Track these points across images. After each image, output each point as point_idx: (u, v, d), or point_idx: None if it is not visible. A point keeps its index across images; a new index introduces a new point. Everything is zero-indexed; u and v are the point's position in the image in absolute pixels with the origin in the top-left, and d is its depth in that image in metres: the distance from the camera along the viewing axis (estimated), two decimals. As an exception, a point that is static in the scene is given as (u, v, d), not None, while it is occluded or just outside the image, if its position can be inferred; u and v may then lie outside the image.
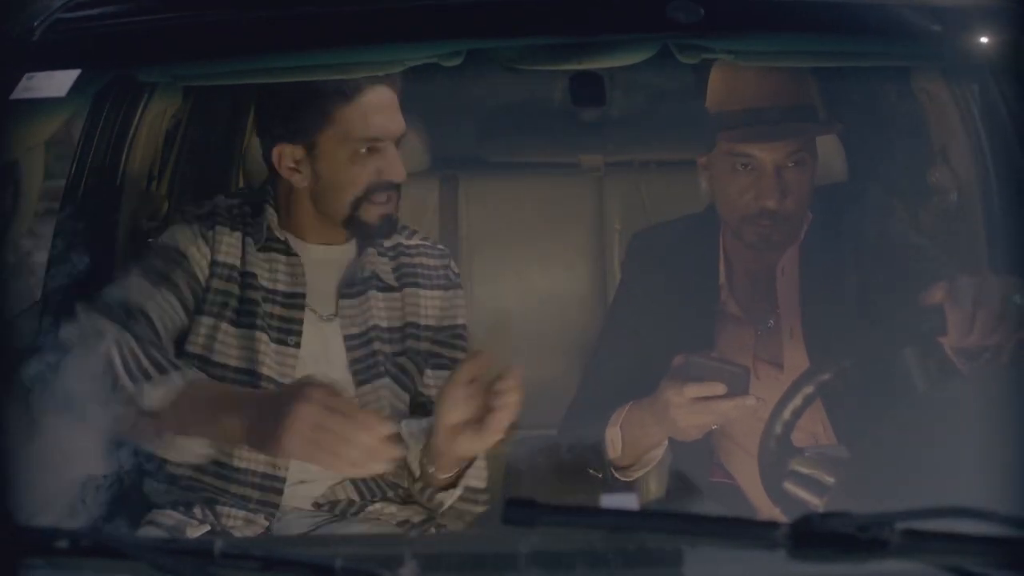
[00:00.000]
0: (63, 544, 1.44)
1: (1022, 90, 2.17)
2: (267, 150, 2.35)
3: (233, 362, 2.29)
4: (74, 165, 2.67)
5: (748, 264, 2.48)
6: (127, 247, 2.75)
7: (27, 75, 2.02)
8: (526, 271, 3.42)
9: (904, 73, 2.70)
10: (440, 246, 2.51)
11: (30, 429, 2.26)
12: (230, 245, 2.34)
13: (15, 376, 2.29)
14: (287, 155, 2.30)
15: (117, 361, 2.13)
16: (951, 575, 1.30)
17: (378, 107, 2.28)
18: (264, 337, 2.30)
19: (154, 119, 2.77)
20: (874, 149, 2.88)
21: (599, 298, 3.41)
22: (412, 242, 2.46)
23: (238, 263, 2.34)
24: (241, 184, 3.23)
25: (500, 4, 2.09)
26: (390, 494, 2.34)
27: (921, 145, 2.79)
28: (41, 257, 2.57)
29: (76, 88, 2.04)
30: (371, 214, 2.31)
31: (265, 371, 2.29)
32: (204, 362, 2.29)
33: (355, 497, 2.32)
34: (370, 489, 2.34)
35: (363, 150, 2.28)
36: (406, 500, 2.32)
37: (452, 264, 2.49)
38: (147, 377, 2.13)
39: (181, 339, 2.31)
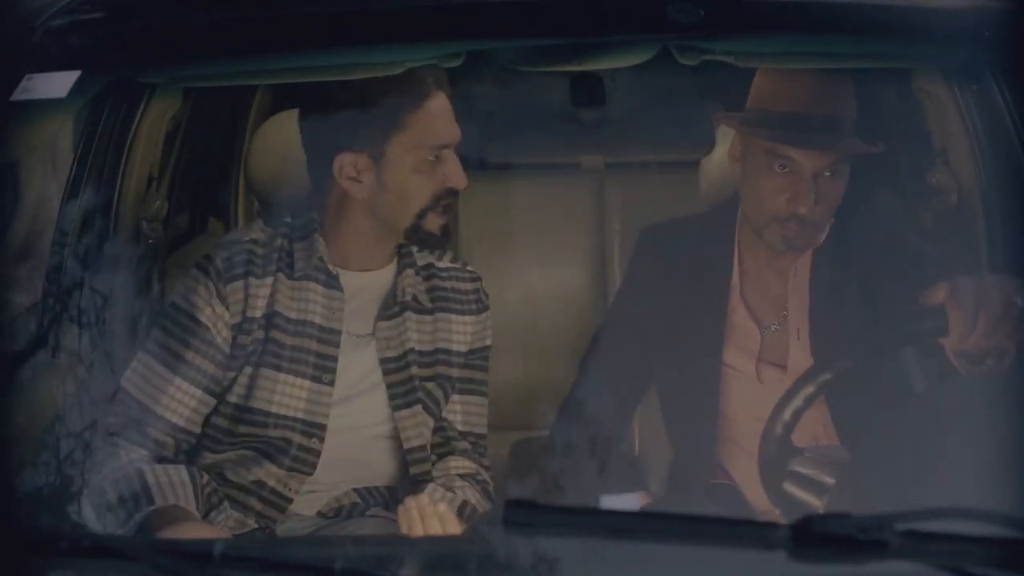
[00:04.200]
0: (63, 544, 1.44)
1: (1022, 90, 2.17)
2: (321, 162, 2.28)
3: (273, 407, 2.27)
4: (74, 165, 2.67)
5: (763, 265, 2.47)
6: (127, 248, 2.75)
7: (27, 76, 2.02)
8: (526, 271, 3.42)
9: (904, 73, 2.69)
10: (471, 268, 2.47)
11: (31, 430, 2.26)
12: (259, 296, 2.28)
13: (15, 376, 2.29)
14: (349, 164, 2.24)
15: (91, 502, 2.13)
16: (951, 576, 1.30)
17: (443, 113, 2.26)
18: (299, 378, 2.28)
19: (154, 120, 2.77)
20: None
21: (599, 298, 3.41)
22: (444, 264, 2.42)
23: (268, 308, 2.28)
24: (241, 187, 3.23)
25: (499, 5, 2.09)
26: (392, 500, 2.34)
27: (921, 146, 2.79)
28: (41, 258, 2.57)
29: (76, 89, 2.04)
30: (435, 222, 2.28)
31: (302, 413, 2.28)
32: (243, 410, 2.28)
33: (358, 501, 2.33)
34: (372, 496, 2.34)
35: (431, 157, 2.24)
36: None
37: (483, 287, 2.46)
38: (116, 520, 2.12)
39: (220, 394, 2.29)
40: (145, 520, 2.10)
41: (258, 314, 2.28)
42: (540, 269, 3.44)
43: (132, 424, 2.24)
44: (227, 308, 2.27)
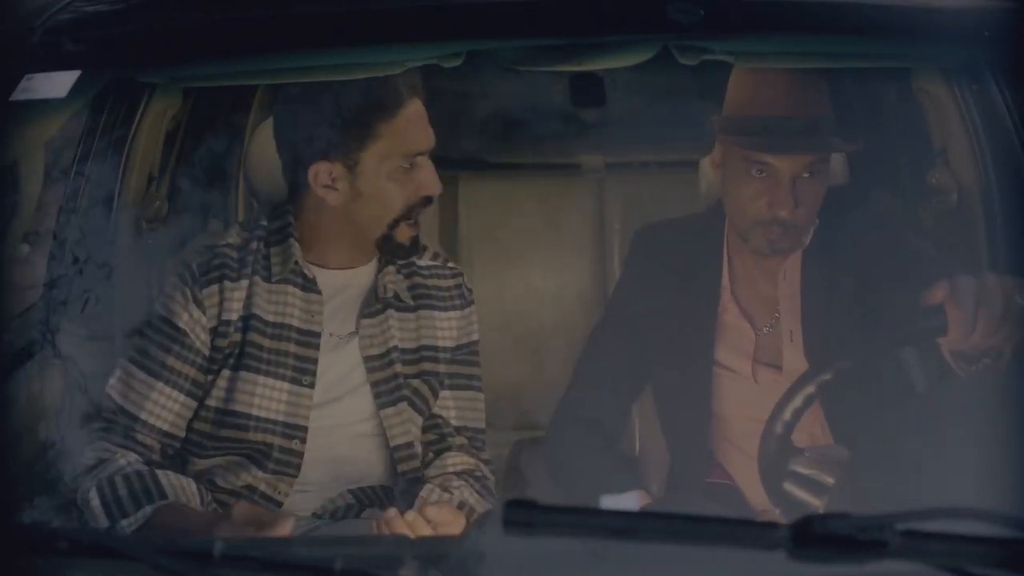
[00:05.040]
0: (63, 544, 1.44)
1: (1022, 90, 2.17)
2: (296, 168, 2.29)
3: (253, 410, 2.27)
4: (74, 166, 2.67)
5: (751, 267, 2.47)
6: (127, 248, 2.75)
7: (27, 76, 2.02)
8: (526, 271, 3.43)
9: (904, 73, 2.70)
10: (451, 264, 2.47)
11: (31, 430, 2.26)
12: (235, 299, 2.28)
13: (15, 376, 2.29)
14: (324, 172, 2.24)
15: (93, 497, 2.14)
16: (951, 576, 1.30)
17: (417, 120, 2.26)
18: (278, 381, 2.28)
19: (154, 120, 2.77)
20: (874, 150, 2.88)
21: (599, 298, 3.41)
22: (424, 263, 2.42)
23: (244, 311, 2.29)
24: (241, 187, 3.23)
25: (499, 5, 2.09)
26: (387, 500, 2.34)
27: (921, 146, 2.80)
28: (41, 258, 2.57)
29: (76, 89, 2.04)
30: (409, 229, 2.29)
31: (282, 416, 2.28)
32: (224, 414, 2.28)
33: (353, 502, 2.33)
34: (367, 496, 2.34)
35: (406, 165, 2.25)
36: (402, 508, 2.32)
37: (465, 282, 2.46)
38: (123, 513, 2.12)
39: (202, 397, 2.29)
40: (155, 513, 2.10)
41: (234, 317, 2.28)
42: (540, 269, 3.44)
43: (119, 430, 2.24)
44: (203, 312, 2.27)
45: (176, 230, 3.10)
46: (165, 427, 2.26)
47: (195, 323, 2.27)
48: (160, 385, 2.26)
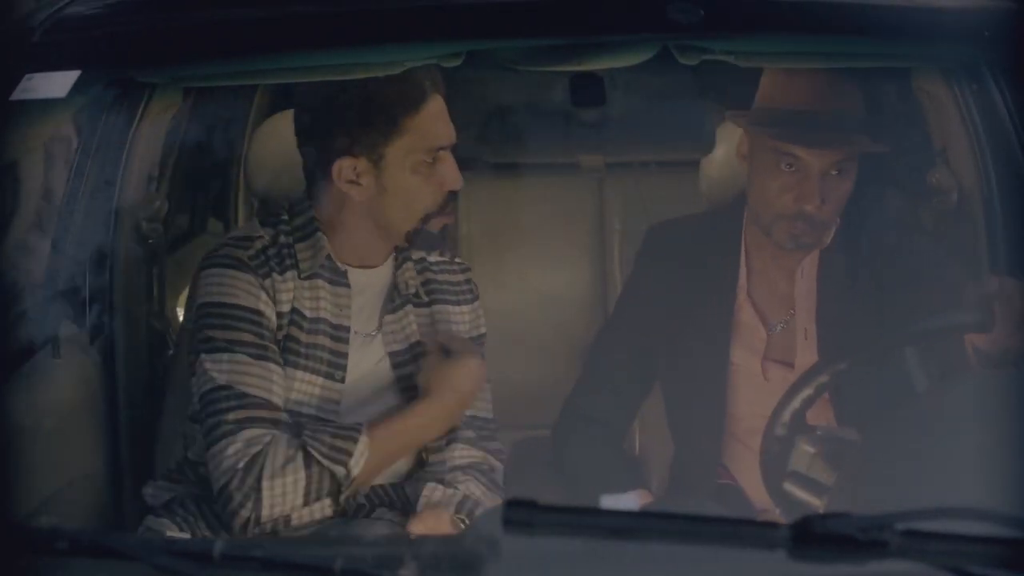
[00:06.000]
0: (63, 544, 1.44)
1: (1022, 90, 2.17)
2: (319, 164, 2.29)
3: (288, 405, 2.27)
4: (74, 165, 2.67)
5: (769, 264, 2.47)
6: (127, 248, 2.75)
7: (27, 76, 2.02)
8: (526, 271, 3.43)
9: (904, 73, 2.70)
10: (459, 260, 2.51)
11: (31, 430, 2.26)
12: (284, 291, 2.29)
13: (16, 376, 2.29)
14: (348, 168, 2.25)
15: (314, 455, 2.19)
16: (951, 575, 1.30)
17: (440, 115, 2.27)
18: (314, 375, 2.29)
19: (154, 120, 2.77)
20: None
21: (599, 298, 3.42)
22: (434, 258, 2.45)
23: (289, 306, 2.30)
24: (241, 187, 3.23)
25: (499, 5, 2.09)
26: (397, 498, 2.34)
27: (921, 146, 2.80)
28: (41, 257, 2.57)
29: (76, 89, 2.04)
30: (435, 223, 2.31)
31: (314, 411, 2.28)
32: None
33: (363, 503, 2.33)
34: (378, 495, 2.34)
35: (428, 160, 2.26)
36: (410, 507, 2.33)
37: (472, 277, 2.49)
38: (348, 454, 2.19)
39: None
40: (370, 439, 2.20)
41: (286, 309, 2.29)
42: (540, 269, 3.44)
43: (259, 417, 2.22)
44: (271, 299, 2.28)
45: (176, 230, 3.11)
46: (281, 401, 2.26)
47: (268, 307, 2.28)
48: (270, 365, 2.25)
